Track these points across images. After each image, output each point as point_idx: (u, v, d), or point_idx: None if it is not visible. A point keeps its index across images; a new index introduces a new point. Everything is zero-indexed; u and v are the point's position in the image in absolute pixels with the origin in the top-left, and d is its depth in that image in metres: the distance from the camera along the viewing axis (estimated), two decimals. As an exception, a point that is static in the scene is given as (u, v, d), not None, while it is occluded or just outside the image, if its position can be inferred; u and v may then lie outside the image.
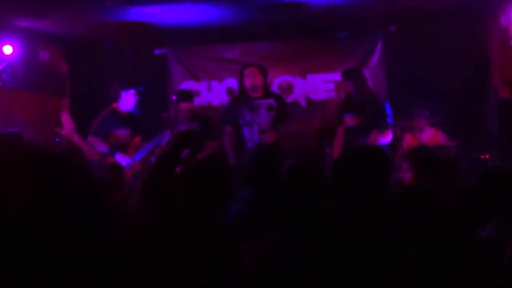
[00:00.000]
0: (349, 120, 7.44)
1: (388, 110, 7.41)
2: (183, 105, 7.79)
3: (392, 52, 9.08)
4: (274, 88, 9.42)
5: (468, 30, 8.59)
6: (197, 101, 8.97)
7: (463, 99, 8.67)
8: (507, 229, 3.16)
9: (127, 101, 7.55)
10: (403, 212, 2.72)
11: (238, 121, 7.51)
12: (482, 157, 7.64)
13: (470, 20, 8.49)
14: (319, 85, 9.48)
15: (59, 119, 7.47)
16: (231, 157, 7.45)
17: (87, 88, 9.43)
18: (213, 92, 9.69)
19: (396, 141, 7.85)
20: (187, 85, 9.51)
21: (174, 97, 8.05)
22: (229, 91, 9.51)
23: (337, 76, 9.07)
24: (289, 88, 9.53)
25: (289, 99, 9.37)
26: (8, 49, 7.77)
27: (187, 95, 8.02)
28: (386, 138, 7.19)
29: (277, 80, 9.51)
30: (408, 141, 7.87)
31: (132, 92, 7.54)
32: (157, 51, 9.70)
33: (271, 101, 7.54)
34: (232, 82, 9.48)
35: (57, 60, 9.40)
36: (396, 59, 9.02)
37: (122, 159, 7.20)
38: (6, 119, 7.88)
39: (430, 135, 7.91)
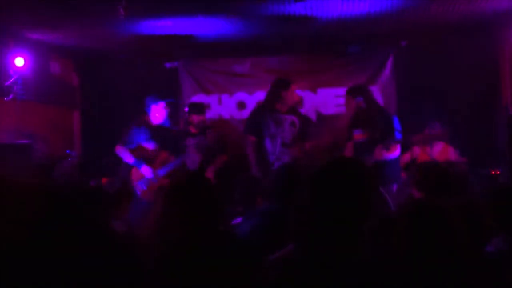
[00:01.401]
0: (358, 135, 7.43)
1: (397, 124, 7.40)
2: (195, 118, 7.82)
3: (403, 67, 9.07)
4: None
5: (479, 46, 8.58)
6: (208, 115, 8.95)
7: (474, 115, 8.65)
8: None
9: (158, 113, 7.42)
10: (410, 227, 2.71)
11: (261, 131, 7.53)
12: (493, 173, 7.61)
13: (481, 36, 8.49)
14: (330, 99, 9.49)
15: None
16: (255, 169, 7.45)
17: (97, 101, 9.47)
18: (224, 106, 9.71)
19: (406, 155, 7.84)
20: (198, 98, 9.52)
21: (186, 109, 8.09)
22: (240, 104, 9.52)
23: (347, 90, 9.07)
24: (299, 102, 9.53)
25: (300, 113, 9.41)
26: (20, 61, 7.82)
27: (199, 108, 8.06)
28: (394, 152, 7.18)
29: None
30: (418, 155, 7.86)
31: (162, 104, 7.42)
32: (168, 64, 9.73)
33: (294, 118, 7.61)
34: (243, 96, 9.51)
35: (68, 72, 9.47)
36: (407, 74, 9.01)
37: (147, 171, 7.16)
38: (17, 131, 7.92)
39: (440, 150, 7.89)
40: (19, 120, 8.01)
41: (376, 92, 9.26)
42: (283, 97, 7.56)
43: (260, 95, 9.19)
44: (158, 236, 3.05)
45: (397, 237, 2.71)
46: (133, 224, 5.09)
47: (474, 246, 2.96)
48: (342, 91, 9.28)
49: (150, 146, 7.33)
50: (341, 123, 8.30)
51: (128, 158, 7.21)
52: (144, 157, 7.24)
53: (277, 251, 2.82)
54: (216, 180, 7.34)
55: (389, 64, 9.32)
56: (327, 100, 9.48)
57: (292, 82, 7.75)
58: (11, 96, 7.83)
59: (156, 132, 7.38)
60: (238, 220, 4.47)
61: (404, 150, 7.73)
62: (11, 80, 7.82)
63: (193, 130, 7.84)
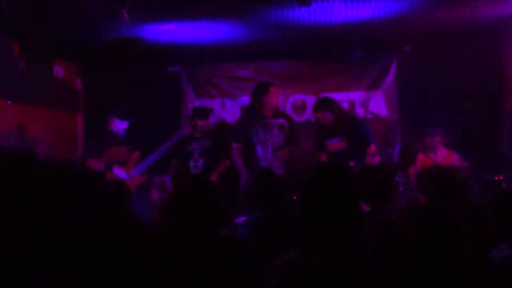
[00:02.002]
0: (335, 144, 7.43)
1: (369, 129, 7.43)
2: (199, 122, 7.80)
3: (407, 72, 9.06)
4: (288, 106, 9.45)
5: (483, 51, 8.57)
6: (211, 119, 8.94)
7: (477, 120, 8.63)
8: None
9: (120, 126, 7.63)
10: (415, 232, 2.70)
11: (251, 139, 7.48)
12: (496, 178, 7.59)
13: (484, 41, 8.48)
14: (333, 104, 9.47)
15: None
16: (244, 176, 7.39)
17: (100, 105, 9.46)
18: (227, 110, 9.70)
19: (410, 160, 7.84)
20: (201, 102, 9.53)
21: (190, 114, 8.10)
22: (243, 109, 9.50)
23: (350, 95, 9.09)
24: (303, 106, 9.53)
25: (303, 117, 9.41)
26: (22, 64, 7.84)
27: (204, 112, 8.04)
28: (376, 158, 7.21)
29: (291, 99, 9.53)
30: (422, 161, 7.85)
31: (125, 123, 7.63)
32: (171, 69, 9.73)
33: (282, 120, 7.54)
34: (246, 100, 9.50)
35: (71, 76, 9.45)
36: (410, 79, 9.00)
37: (119, 172, 7.22)
38: (19, 134, 7.91)
39: (443, 155, 7.88)
40: (21, 124, 8.00)
41: (380, 97, 9.26)
42: (264, 102, 7.49)
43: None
44: (160, 239, 3.05)
45: (399, 241, 2.70)
46: None
47: (479, 251, 2.94)
48: (345, 96, 9.32)
49: (118, 148, 7.42)
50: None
51: (97, 165, 7.26)
52: (116, 160, 7.31)
53: (276, 256, 2.80)
54: (219, 185, 7.33)
55: (392, 69, 9.31)
56: (330, 105, 9.46)
57: (272, 85, 7.65)
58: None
59: (121, 137, 7.57)
60: (241, 219, 4.45)
61: (409, 156, 7.76)
62: (15, 83, 7.82)
63: (196, 134, 7.82)
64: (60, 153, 8.67)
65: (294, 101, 9.56)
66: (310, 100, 9.50)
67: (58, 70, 9.02)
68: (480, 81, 8.61)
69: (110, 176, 7.17)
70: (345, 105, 9.30)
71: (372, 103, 9.22)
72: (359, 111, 9.27)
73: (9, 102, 7.79)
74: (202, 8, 6.90)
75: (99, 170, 7.23)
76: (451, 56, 8.72)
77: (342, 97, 9.32)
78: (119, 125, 7.53)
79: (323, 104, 7.60)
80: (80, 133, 9.68)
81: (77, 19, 7.22)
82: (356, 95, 9.31)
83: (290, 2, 6.63)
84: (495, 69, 8.68)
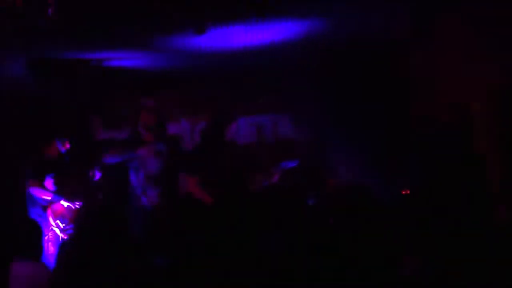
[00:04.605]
0: None
1: None
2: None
3: (314, 93, 9.10)
4: (197, 133, 9.37)
5: (387, 70, 8.66)
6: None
7: (383, 136, 8.68)
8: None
9: (57, 148, 7.46)
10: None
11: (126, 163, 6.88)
12: (404, 192, 7.70)
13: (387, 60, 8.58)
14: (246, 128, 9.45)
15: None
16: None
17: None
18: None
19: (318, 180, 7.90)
20: (109, 134, 9.40)
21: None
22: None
23: (258, 119, 9.14)
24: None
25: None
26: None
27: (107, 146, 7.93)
28: None
29: (200, 125, 9.37)
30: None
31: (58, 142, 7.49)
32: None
33: (160, 145, 6.87)
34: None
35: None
36: (317, 100, 9.05)
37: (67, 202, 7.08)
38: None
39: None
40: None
41: (286, 120, 9.34)
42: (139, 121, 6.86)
43: (172, 128, 9.10)
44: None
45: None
46: None
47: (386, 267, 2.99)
48: (252, 119, 9.34)
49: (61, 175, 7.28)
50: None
51: (45, 194, 7.11)
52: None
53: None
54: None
55: (301, 91, 9.33)
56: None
57: (144, 109, 7.06)
58: None
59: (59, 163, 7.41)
60: None
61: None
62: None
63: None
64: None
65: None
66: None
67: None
68: (386, 99, 8.66)
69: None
70: (253, 129, 9.33)
71: (281, 125, 9.29)
72: (268, 134, 9.32)
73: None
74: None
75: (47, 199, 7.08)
76: (356, 75, 8.78)
77: (250, 121, 9.34)
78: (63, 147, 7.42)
79: None
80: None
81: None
82: (264, 118, 9.36)
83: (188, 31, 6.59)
84: (399, 84, 8.74)
